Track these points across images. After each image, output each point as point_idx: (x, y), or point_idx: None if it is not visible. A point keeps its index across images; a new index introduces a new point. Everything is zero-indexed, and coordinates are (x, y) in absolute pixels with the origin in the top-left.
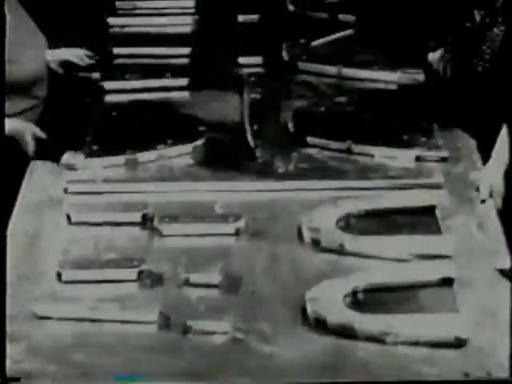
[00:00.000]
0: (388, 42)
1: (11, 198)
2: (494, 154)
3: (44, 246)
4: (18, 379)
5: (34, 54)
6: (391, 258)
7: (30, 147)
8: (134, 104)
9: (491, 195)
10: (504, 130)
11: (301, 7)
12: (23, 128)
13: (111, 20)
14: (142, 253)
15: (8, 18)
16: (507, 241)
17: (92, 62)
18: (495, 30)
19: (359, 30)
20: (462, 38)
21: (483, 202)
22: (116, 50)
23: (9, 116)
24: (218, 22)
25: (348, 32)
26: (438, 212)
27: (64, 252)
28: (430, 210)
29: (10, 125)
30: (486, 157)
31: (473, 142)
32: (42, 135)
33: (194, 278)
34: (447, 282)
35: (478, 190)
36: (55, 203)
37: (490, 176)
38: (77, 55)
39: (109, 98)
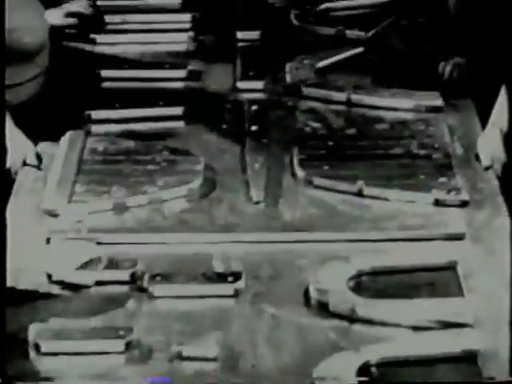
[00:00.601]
0: (400, 61)
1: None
2: (491, 118)
3: None
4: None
5: (36, 22)
6: (407, 326)
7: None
8: (123, 137)
9: (492, 163)
10: (502, 94)
11: (306, 21)
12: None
13: (99, 37)
14: (130, 319)
15: None
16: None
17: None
18: None
19: (369, 48)
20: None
21: (487, 169)
22: (104, 73)
23: (11, 87)
24: (216, 39)
25: (357, 50)
26: (459, 268)
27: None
28: (450, 267)
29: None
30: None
31: (495, 182)
32: (34, 162)
33: (188, 350)
34: (470, 354)
35: (477, 158)
36: (34, 257)
37: (489, 141)
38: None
39: (95, 129)
